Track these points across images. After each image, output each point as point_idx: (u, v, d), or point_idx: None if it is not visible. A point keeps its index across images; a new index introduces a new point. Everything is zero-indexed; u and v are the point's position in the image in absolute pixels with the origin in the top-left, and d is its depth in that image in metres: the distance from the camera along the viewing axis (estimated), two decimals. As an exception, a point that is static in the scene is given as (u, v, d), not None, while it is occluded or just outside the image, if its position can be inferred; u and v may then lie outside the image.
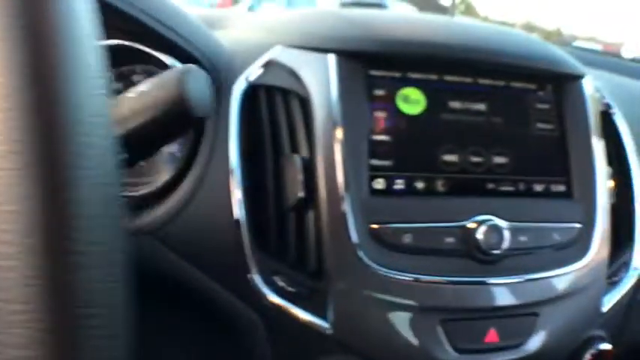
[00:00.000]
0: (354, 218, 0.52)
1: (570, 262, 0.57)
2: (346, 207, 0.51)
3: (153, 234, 0.54)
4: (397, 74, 0.57)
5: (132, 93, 0.44)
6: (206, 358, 0.63)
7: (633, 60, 1.11)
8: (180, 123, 0.42)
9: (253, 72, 0.57)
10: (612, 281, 0.63)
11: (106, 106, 0.27)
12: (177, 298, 0.57)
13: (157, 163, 0.58)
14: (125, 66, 0.56)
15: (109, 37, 0.53)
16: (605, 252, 0.60)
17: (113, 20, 0.50)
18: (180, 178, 0.55)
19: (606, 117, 0.68)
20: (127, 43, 0.54)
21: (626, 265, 0.64)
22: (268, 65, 0.57)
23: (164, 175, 0.56)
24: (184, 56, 0.55)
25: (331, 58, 0.55)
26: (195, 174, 0.55)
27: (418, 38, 0.58)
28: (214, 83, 0.56)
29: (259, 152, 0.55)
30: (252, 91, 0.56)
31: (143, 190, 0.55)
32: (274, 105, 0.56)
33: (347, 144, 0.53)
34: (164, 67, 0.55)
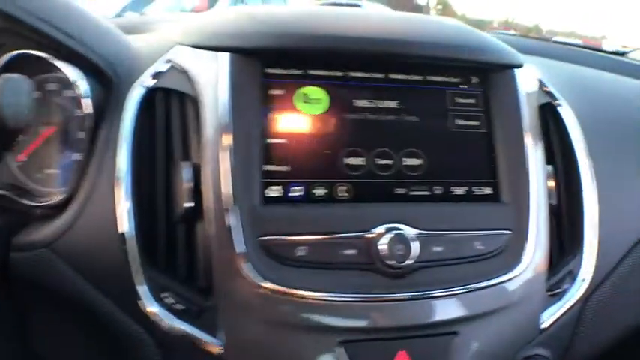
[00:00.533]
0: (242, 229, 0.47)
1: (497, 273, 0.51)
2: (233, 217, 0.47)
3: (47, 247, 0.51)
4: (296, 72, 0.52)
5: None
6: None
7: (614, 52, 1.03)
8: None
9: (150, 76, 0.53)
10: (554, 293, 0.57)
11: None
12: (71, 312, 0.54)
13: (54, 176, 0.55)
14: (39, 75, 0.53)
15: (19, 47, 0.50)
16: (542, 260, 0.54)
17: (18, 30, 0.49)
18: (75, 190, 0.52)
19: (551, 111, 0.62)
20: (29, 52, 0.52)
21: (572, 274, 0.58)
22: (166, 67, 0.54)
23: (61, 187, 0.53)
24: (84, 63, 0.53)
25: (223, 57, 0.51)
26: (86, 185, 0.52)
27: (320, 32, 0.53)
28: (113, 88, 0.53)
29: (152, 160, 0.52)
30: (150, 96, 0.53)
31: (40, 204, 0.52)
32: (170, 109, 0.53)
33: (236, 149, 0.49)
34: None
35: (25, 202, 0.52)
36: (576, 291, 0.58)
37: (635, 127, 0.70)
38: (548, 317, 0.56)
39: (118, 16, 1.94)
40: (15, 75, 0.39)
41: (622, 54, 1.07)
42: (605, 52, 1.03)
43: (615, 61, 0.91)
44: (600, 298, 0.61)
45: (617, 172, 0.64)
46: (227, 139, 0.49)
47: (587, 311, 0.60)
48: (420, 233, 0.49)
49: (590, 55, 0.90)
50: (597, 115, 0.66)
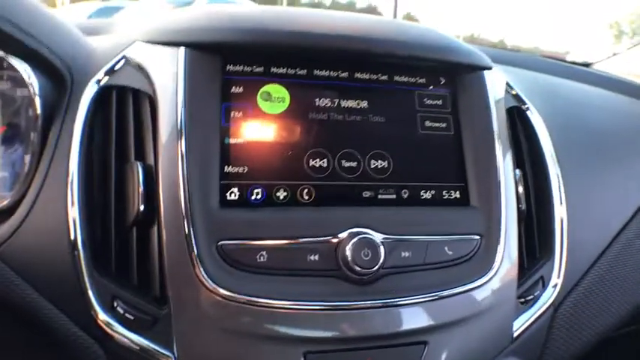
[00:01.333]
0: (199, 234, 0.44)
1: (467, 280, 0.49)
2: (188, 221, 0.44)
3: None
4: (258, 69, 0.50)
5: None
6: None
7: (580, 64, 1.05)
8: None
9: (104, 73, 0.51)
10: (525, 300, 0.55)
11: None
12: (17, 321, 0.50)
13: (2, 178, 0.51)
14: None
15: None
16: (512, 266, 0.52)
17: None
18: (23, 194, 0.49)
19: (519, 114, 0.61)
20: None
21: (543, 280, 0.56)
22: (121, 65, 0.51)
23: (7, 190, 0.49)
24: (38, 61, 0.50)
25: (182, 53, 0.49)
26: (35, 188, 0.48)
27: (283, 28, 0.51)
28: (67, 87, 0.50)
29: (104, 161, 0.49)
30: (104, 94, 0.50)
31: None
32: (124, 107, 0.50)
33: (193, 149, 0.46)
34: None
35: None
36: (548, 297, 0.56)
37: (601, 134, 0.70)
38: (520, 325, 0.54)
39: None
40: None
41: (587, 65, 1.09)
42: (571, 62, 1.05)
43: (581, 72, 0.92)
44: (571, 304, 0.60)
45: (585, 179, 0.64)
46: (183, 139, 0.46)
47: (558, 318, 0.59)
48: (387, 238, 0.47)
49: (556, 64, 0.90)
50: (563, 120, 0.66)
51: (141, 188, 0.46)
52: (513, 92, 0.62)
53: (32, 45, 0.48)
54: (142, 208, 0.46)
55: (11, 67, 0.50)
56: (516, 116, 0.61)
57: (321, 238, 0.46)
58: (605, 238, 0.63)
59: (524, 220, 0.57)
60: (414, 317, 0.47)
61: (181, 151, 0.46)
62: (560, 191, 0.59)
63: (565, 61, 1.03)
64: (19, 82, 0.50)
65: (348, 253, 0.45)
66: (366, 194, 0.50)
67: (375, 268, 0.46)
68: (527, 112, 0.62)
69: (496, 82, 0.58)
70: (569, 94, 0.76)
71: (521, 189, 0.55)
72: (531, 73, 0.79)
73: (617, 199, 0.66)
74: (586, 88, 0.83)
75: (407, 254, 0.48)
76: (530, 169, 0.60)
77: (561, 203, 0.58)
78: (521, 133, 0.61)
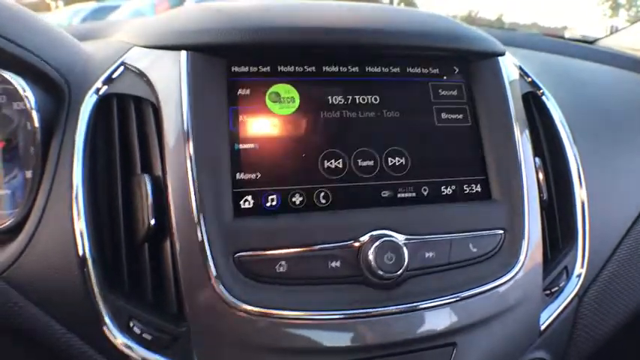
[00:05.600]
0: (214, 247, 0.42)
1: (494, 277, 0.48)
2: (202, 234, 0.42)
3: None
4: (265, 69, 0.48)
5: None
6: None
7: (572, 39, 1.03)
8: None
9: (103, 81, 0.49)
10: (551, 292, 0.54)
11: None
12: (28, 345, 0.49)
13: (4, 196, 0.49)
14: None
15: None
16: (538, 259, 0.51)
17: None
18: (27, 213, 0.47)
19: (534, 100, 0.59)
20: None
21: (567, 270, 0.55)
22: (120, 72, 0.49)
23: (9, 210, 0.48)
24: (33, 73, 0.48)
25: (181, 56, 0.46)
26: (39, 205, 0.46)
27: (288, 24, 0.49)
28: (65, 98, 0.49)
29: (109, 174, 0.47)
30: (104, 103, 0.48)
31: None
32: (127, 117, 0.48)
33: (202, 157, 0.44)
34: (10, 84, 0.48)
35: None
36: (573, 287, 0.55)
37: (611, 114, 0.69)
38: (547, 318, 0.53)
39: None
40: None
41: (591, 42, 1.07)
42: (576, 40, 1.03)
43: (587, 50, 0.90)
44: (596, 292, 0.59)
45: (602, 161, 0.63)
46: (191, 147, 0.44)
47: (583, 307, 0.58)
48: (409, 239, 0.46)
49: (563, 44, 0.89)
50: (576, 103, 0.65)
51: (150, 201, 0.44)
52: (528, 78, 0.60)
53: (25, 57, 0.47)
54: (152, 222, 0.44)
55: (5, 81, 0.47)
56: (532, 102, 0.59)
57: (342, 243, 0.44)
58: (626, 221, 0.62)
59: (547, 211, 0.55)
60: (441, 319, 0.46)
61: (190, 159, 0.43)
62: (580, 176, 0.57)
63: (571, 40, 1.01)
64: (13, 95, 0.48)
65: (371, 257, 0.44)
66: (385, 194, 0.48)
67: (399, 272, 0.44)
68: (543, 98, 0.60)
69: (510, 68, 0.56)
70: (578, 74, 0.75)
71: (542, 177, 0.54)
72: (542, 55, 0.77)
73: (634, 178, 0.65)
74: (593, 66, 0.81)
75: (431, 254, 0.46)
76: (548, 156, 0.58)
77: (581, 187, 0.57)
78: (538, 119, 0.59)
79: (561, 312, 0.54)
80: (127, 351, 0.44)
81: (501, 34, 0.83)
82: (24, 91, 0.48)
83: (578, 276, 0.56)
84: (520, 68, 0.60)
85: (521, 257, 0.49)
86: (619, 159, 0.65)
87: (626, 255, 0.61)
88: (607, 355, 0.64)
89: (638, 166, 0.66)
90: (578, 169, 0.58)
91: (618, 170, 0.64)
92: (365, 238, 0.45)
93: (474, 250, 0.48)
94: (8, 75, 0.48)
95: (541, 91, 0.60)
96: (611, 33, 1.08)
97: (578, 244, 0.56)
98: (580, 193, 0.57)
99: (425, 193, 0.49)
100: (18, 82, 0.48)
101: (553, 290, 0.54)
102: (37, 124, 0.48)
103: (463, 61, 0.53)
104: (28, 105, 0.48)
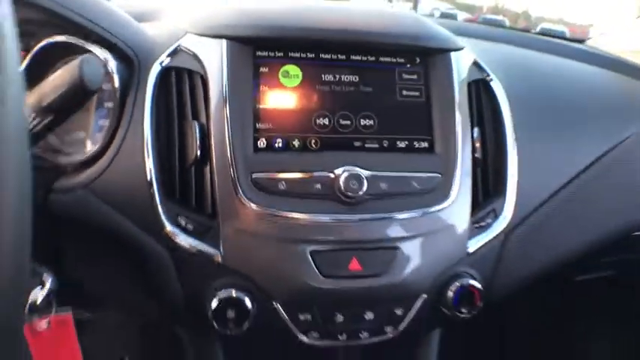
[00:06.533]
0: (239, 170, 0.64)
1: (429, 206, 0.67)
2: (231, 162, 0.64)
3: (86, 187, 0.64)
4: (279, 54, 0.69)
5: (51, 76, 0.59)
6: (127, 290, 0.78)
7: (575, 40, 1.18)
8: (79, 95, 0.57)
9: (166, 57, 0.69)
10: (480, 226, 0.72)
11: None
12: (101, 240, 0.68)
13: (85, 138, 0.67)
14: (63, 59, 0.67)
15: (47, 35, 0.66)
16: (466, 198, 0.69)
17: (48, 19, 0.64)
18: (107, 146, 0.65)
19: (484, 85, 0.78)
20: (63, 39, 0.67)
21: (495, 212, 0.73)
22: (178, 51, 0.70)
23: (94, 144, 0.66)
24: (111, 47, 0.66)
25: (223, 44, 0.68)
26: (116, 144, 0.65)
27: (297, 24, 0.70)
28: (135, 67, 0.68)
29: (169, 121, 0.68)
30: (166, 72, 0.69)
31: (79, 157, 0.65)
32: (182, 83, 0.68)
33: (234, 112, 0.66)
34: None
35: (59, 160, 0.65)
36: (498, 225, 0.72)
37: (558, 100, 0.85)
38: (475, 244, 0.71)
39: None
40: (88, 55, 0.57)
41: (582, 41, 1.22)
42: (566, 39, 1.18)
43: (558, 45, 1.06)
44: (522, 233, 0.75)
45: (538, 136, 0.78)
46: (228, 105, 0.65)
47: (509, 243, 0.74)
48: (370, 174, 0.66)
49: (534, 39, 1.05)
50: (525, 88, 0.81)
51: (197, 140, 0.65)
52: (479, 67, 0.78)
53: (108, 37, 0.66)
54: (198, 153, 0.65)
55: (94, 54, 0.64)
56: (481, 86, 0.78)
57: (323, 173, 0.66)
58: (548, 188, 0.77)
59: (481, 167, 0.73)
60: (389, 229, 0.66)
61: (227, 114, 0.65)
62: (513, 144, 0.74)
63: (562, 38, 1.16)
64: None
65: (342, 183, 0.65)
66: (357, 144, 0.69)
67: (360, 194, 0.65)
68: (491, 83, 0.78)
69: (462, 60, 0.75)
70: (536, 65, 0.92)
71: (477, 143, 0.73)
72: (508, 48, 0.95)
73: (568, 152, 0.81)
74: (556, 60, 0.97)
75: (384, 185, 0.66)
76: (490, 128, 0.76)
77: (513, 154, 0.74)
78: (485, 99, 0.77)
79: (487, 242, 0.71)
80: (174, 237, 0.63)
81: (475, 28, 1.01)
82: (107, 60, 0.64)
83: (505, 217, 0.73)
84: (474, 60, 0.78)
85: (452, 194, 0.68)
86: (557, 135, 0.80)
87: (553, 209, 0.77)
88: (529, 300, 0.78)
89: (574, 143, 0.81)
90: (513, 138, 0.74)
91: (554, 142, 0.79)
92: (339, 170, 0.65)
93: (417, 186, 0.68)
94: (94, 47, 0.65)
95: (490, 77, 0.78)
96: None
97: (507, 193, 0.73)
98: (512, 154, 0.74)
99: (385, 145, 0.70)
100: (103, 54, 0.65)
101: (482, 224, 0.72)
102: (117, 84, 0.65)
103: (423, 53, 0.73)
104: (110, 70, 0.64)
